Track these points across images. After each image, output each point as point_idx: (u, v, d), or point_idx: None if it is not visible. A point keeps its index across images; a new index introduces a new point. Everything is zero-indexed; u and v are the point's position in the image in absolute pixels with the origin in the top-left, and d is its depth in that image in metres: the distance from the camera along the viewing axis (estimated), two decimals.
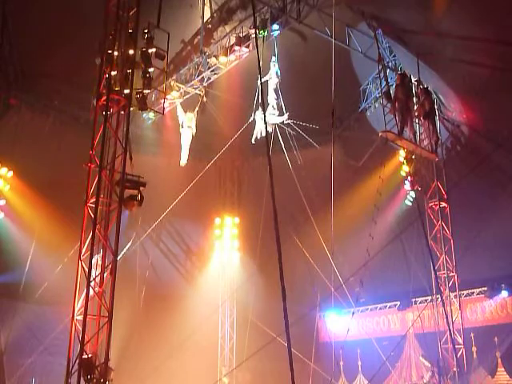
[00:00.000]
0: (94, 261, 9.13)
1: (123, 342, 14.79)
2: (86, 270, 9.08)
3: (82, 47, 13.00)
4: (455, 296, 14.84)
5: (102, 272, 9.24)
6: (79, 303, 9.10)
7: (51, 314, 14.61)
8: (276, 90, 14.19)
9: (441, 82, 13.88)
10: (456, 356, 14.01)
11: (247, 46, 13.99)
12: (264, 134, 13.54)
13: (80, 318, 8.95)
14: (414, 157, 14.83)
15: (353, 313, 14.94)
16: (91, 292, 9.03)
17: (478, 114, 13.94)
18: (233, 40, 14.23)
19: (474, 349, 14.74)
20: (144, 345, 16.72)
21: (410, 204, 15.79)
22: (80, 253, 9.29)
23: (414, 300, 16.16)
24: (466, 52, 11.61)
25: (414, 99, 13.32)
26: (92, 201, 9.42)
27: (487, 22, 10.14)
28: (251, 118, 14.40)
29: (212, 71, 15.03)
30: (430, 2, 11.27)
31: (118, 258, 9.40)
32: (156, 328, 16.94)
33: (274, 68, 14.10)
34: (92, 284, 9.07)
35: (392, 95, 12.42)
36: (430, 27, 12.10)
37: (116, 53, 10.10)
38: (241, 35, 13.99)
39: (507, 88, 11.46)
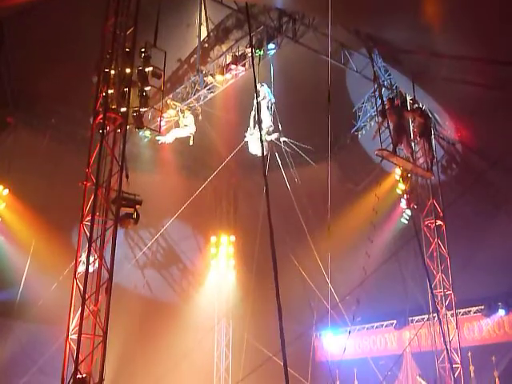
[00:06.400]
0: None
1: (118, 361, 14.65)
2: (81, 288, 9.02)
3: (79, 66, 13.11)
4: (452, 315, 14.74)
5: (98, 290, 9.18)
6: (74, 322, 9.02)
7: (46, 332, 14.47)
8: (269, 109, 14.28)
9: (435, 101, 13.99)
10: (454, 375, 13.86)
11: (243, 65, 14.15)
12: (258, 152, 13.59)
13: (74, 337, 8.85)
14: (409, 175, 14.88)
15: (349, 332, 14.84)
16: (86, 311, 8.96)
17: (472, 132, 14.02)
18: (229, 59, 14.36)
19: (471, 368, 14.60)
20: (139, 364, 16.56)
21: (406, 222, 15.78)
22: (75, 271, 9.24)
23: (410, 319, 16.10)
24: (460, 72, 11.71)
25: (410, 118, 13.44)
26: (88, 219, 9.39)
27: (481, 41, 10.25)
28: (245, 138, 14.46)
29: (208, 90, 15.13)
30: (425, 22, 11.40)
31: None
32: (151, 347, 16.79)
33: (265, 88, 14.22)
34: (87, 302, 9.01)
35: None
36: (424, 47, 12.22)
37: (113, 71, 10.16)
38: (237, 54, 14.15)
39: (501, 107, 11.55)
